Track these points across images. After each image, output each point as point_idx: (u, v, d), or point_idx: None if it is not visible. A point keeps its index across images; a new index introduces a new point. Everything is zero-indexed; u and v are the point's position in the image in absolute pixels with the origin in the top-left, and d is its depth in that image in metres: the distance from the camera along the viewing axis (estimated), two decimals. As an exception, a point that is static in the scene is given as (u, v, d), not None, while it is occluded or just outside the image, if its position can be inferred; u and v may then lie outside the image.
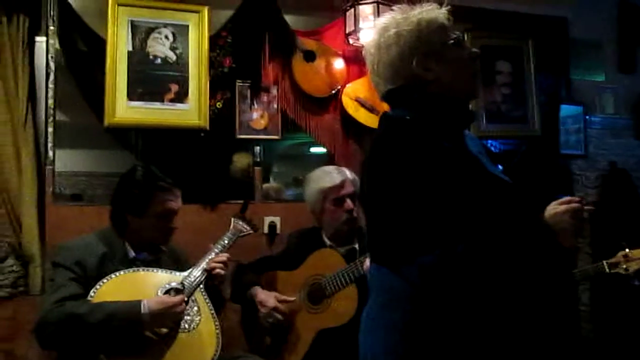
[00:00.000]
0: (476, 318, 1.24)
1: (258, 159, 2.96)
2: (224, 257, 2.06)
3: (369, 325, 1.39)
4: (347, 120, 3.01)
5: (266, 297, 2.16)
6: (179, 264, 2.10)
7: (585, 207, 1.23)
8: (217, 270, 2.01)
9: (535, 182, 3.04)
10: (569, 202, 1.23)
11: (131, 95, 2.69)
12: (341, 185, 2.26)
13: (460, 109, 1.37)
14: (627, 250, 2.21)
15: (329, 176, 2.30)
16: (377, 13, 2.79)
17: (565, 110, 3.51)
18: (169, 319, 1.81)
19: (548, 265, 1.25)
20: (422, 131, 1.29)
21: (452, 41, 1.36)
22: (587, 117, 3.58)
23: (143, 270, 1.95)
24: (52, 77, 2.62)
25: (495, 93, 3.37)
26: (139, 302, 1.77)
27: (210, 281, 2.01)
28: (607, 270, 2.23)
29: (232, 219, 2.29)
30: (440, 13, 1.39)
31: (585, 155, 3.56)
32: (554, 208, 1.24)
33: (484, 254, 1.20)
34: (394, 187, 1.26)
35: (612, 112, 3.71)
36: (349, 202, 2.23)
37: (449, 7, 1.41)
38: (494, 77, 3.38)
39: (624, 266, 2.19)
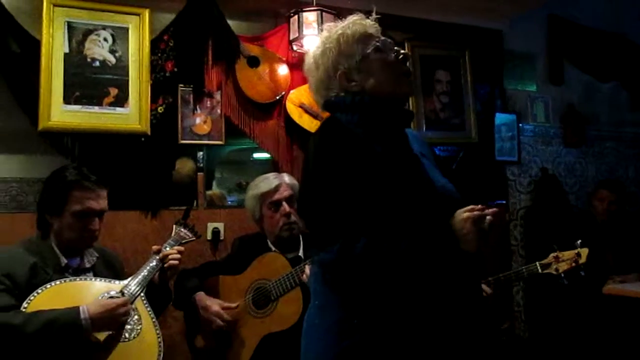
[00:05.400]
0: (386, 313, 1.27)
1: (201, 165, 2.93)
2: (178, 248, 2.05)
3: (307, 328, 1.43)
4: (291, 126, 3.03)
5: (210, 303, 2.14)
6: (115, 272, 2.04)
7: (487, 216, 1.24)
8: (171, 262, 1.99)
9: (471, 186, 3.15)
10: (472, 210, 1.27)
11: (67, 99, 2.60)
12: (276, 189, 2.28)
13: (391, 110, 1.41)
14: (557, 252, 2.32)
15: (266, 181, 2.33)
16: (321, 20, 2.82)
17: (500, 118, 3.66)
18: (112, 322, 1.74)
19: (447, 268, 1.28)
20: (349, 131, 1.35)
21: (371, 49, 1.41)
22: (520, 125, 3.75)
23: (80, 279, 1.88)
24: (-19, 78, 2.51)
25: (435, 101, 3.48)
26: (77, 307, 1.69)
27: (162, 273, 1.99)
28: (540, 271, 2.33)
29: (174, 226, 2.26)
30: (364, 24, 1.44)
31: (518, 162, 3.73)
32: (459, 214, 1.27)
33: (380, 255, 1.23)
34: (314, 182, 1.32)
35: (543, 121, 3.90)
36: (285, 206, 2.25)
37: (377, 16, 1.46)
38: (433, 86, 3.49)
39: (555, 267, 2.29)
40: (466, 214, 1.26)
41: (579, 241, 2.28)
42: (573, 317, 3.23)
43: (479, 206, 1.27)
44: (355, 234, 1.24)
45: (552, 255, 2.32)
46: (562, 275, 2.26)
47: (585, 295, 3.07)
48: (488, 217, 1.25)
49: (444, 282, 1.29)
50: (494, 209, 1.27)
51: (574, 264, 2.25)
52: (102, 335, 1.72)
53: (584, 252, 2.24)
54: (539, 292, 3.51)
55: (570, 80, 3.99)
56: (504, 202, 1.18)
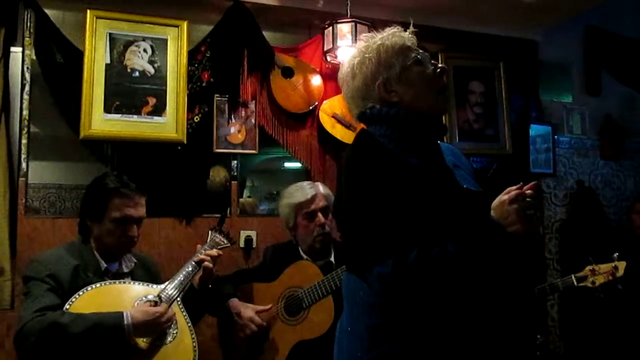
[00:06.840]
0: (437, 322, 1.27)
1: (235, 173, 2.97)
2: (214, 251, 2.08)
3: (339, 335, 1.44)
4: (324, 136, 3.05)
5: (244, 310, 2.16)
6: (152, 276, 2.09)
7: (527, 191, 1.24)
8: (206, 263, 2.03)
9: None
10: (508, 192, 1.26)
11: (108, 108, 2.69)
12: (312, 199, 2.28)
13: (427, 124, 1.42)
14: (594, 264, 2.28)
15: (301, 191, 2.33)
16: (355, 31, 2.85)
17: (535, 129, 3.61)
18: (153, 330, 1.79)
19: (501, 259, 1.27)
20: (382, 145, 1.36)
21: (411, 61, 1.42)
22: (556, 137, 3.69)
23: (119, 282, 1.93)
24: (27, 88, 2.61)
25: (468, 112, 3.46)
26: (122, 313, 1.75)
27: (202, 278, 2.03)
28: (575, 283, 2.30)
29: (210, 232, 2.29)
30: (403, 36, 1.45)
31: (554, 174, 3.67)
32: (496, 201, 1.27)
33: (433, 261, 1.23)
34: (353, 197, 1.32)
35: (580, 133, 3.83)
36: (320, 216, 2.25)
37: (415, 29, 1.48)
38: (467, 97, 3.47)
39: (591, 280, 2.26)
40: (504, 197, 1.25)
41: (615, 254, 2.24)
42: (610, 332, 3.15)
43: (515, 187, 1.26)
44: (406, 246, 1.24)
45: (588, 268, 2.28)
46: (599, 288, 2.22)
47: (623, 310, 3.00)
48: (529, 192, 1.23)
49: (499, 278, 1.29)
50: (531, 184, 1.26)
51: (610, 277, 2.22)
52: (142, 341, 1.77)
53: (621, 265, 2.21)
54: (574, 307, 3.44)
55: (607, 91, 3.92)
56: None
